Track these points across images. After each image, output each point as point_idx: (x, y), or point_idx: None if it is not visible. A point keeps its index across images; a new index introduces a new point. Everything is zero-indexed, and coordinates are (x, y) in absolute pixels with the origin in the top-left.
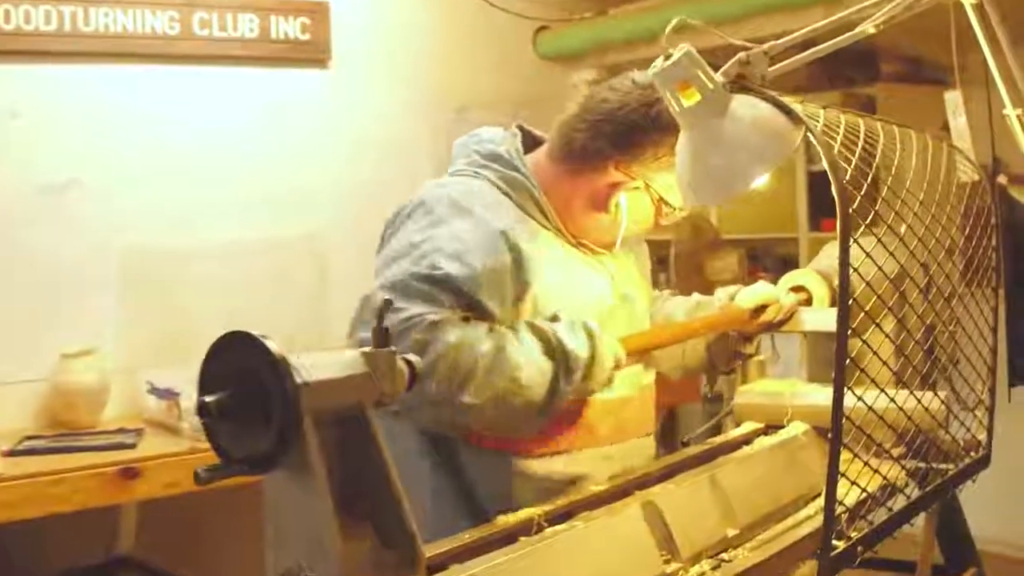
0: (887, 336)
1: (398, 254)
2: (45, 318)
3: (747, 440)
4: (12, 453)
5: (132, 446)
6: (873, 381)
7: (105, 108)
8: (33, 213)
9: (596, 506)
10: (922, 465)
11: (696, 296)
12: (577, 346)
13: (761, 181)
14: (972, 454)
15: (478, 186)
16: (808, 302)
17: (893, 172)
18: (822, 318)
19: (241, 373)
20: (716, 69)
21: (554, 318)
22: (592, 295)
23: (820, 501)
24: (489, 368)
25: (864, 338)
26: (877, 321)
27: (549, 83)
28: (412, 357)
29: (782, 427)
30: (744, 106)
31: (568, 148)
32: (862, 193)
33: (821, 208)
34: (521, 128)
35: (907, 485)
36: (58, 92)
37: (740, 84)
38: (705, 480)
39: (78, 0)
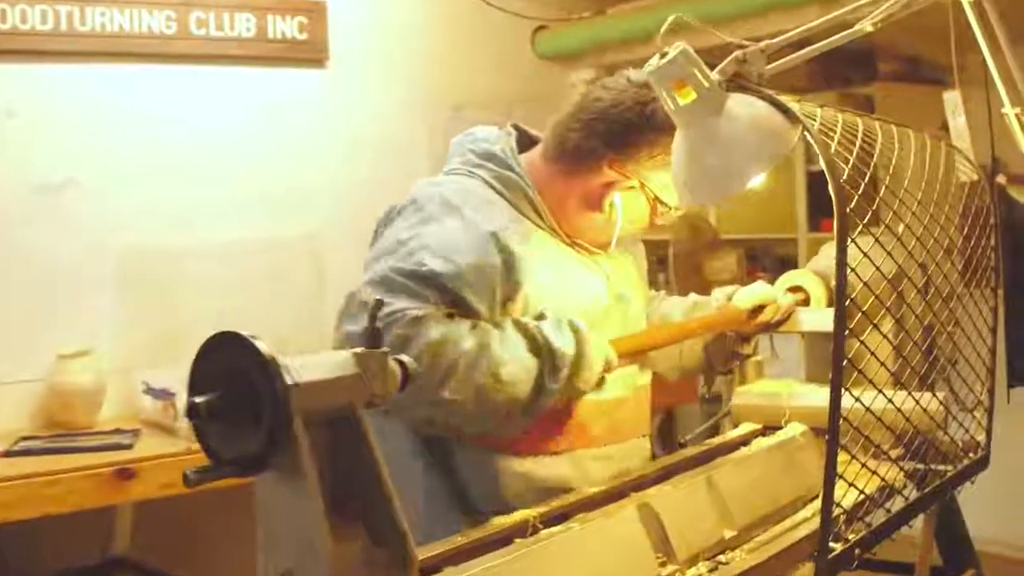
0: (885, 337)
1: (386, 251)
2: (41, 318)
3: (745, 441)
4: (8, 454)
5: (128, 447)
6: (871, 382)
7: (102, 108)
8: (29, 213)
9: (592, 508)
10: (920, 466)
11: (693, 296)
12: (563, 344)
13: (758, 180)
14: (971, 455)
15: (472, 185)
16: (806, 302)
17: (891, 171)
18: (820, 318)
19: (231, 374)
20: (713, 68)
21: (540, 316)
22: (587, 295)
23: (818, 503)
24: (471, 364)
25: (862, 339)
26: (875, 322)
27: (547, 83)
28: (405, 358)
29: (780, 428)
30: (741, 105)
31: (562, 148)
32: (860, 193)
33: (820, 208)
34: (516, 127)
35: (905, 487)
36: (55, 91)
37: (737, 83)
38: (702, 482)
39: None
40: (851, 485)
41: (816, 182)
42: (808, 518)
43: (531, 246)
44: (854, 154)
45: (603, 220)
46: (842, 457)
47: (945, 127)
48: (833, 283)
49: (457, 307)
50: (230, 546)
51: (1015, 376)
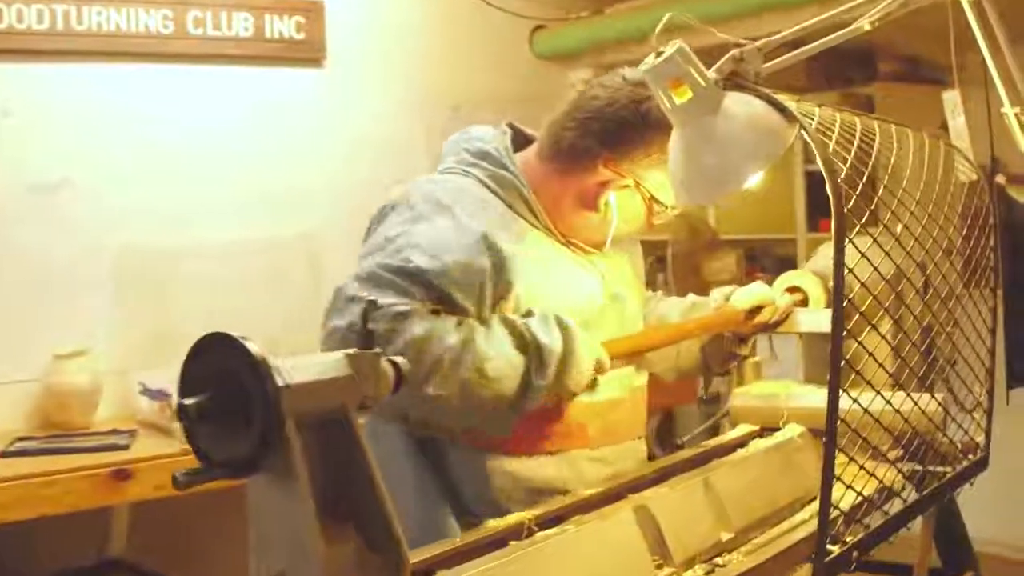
0: (883, 338)
1: (375, 248)
2: (37, 318)
3: (742, 443)
4: (3, 454)
5: (124, 447)
6: (869, 383)
7: (98, 107)
8: (25, 212)
9: (588, 510)
10: (919, 468)
11: (691, 297)
12: (551, 340)
13: (755, 180)
14: (970, 457)
15: (466, 184)
16: (804, 303)
17: (890, 171)
18: (818, 319)
19: (222, 375)
20: (710, 68)
21: (528, 314)
22: (581, 295)
23: (816, 505)
24: (455, 359)
25: (860, 340)
26: (873, 323)
27: (546, 82)
28: (398, 359)
29: (778, 429)
30: (738, 104)
31: (557, 147)
32: (858, 192)
33: (820, 208)
34: (512, 126)
35: (904, 488)
36: (51, 91)
37: (734, 81)
38: (699, 483)
39: None
40: (849, 487)
41: (815, 182)
42: (806, 520)
43: (525, 245)
44: (852, 153)
45: (598, 219)
46: (840, 459)
47: (945, 127)
48: (831, 283)
49: (443, 304)
50: (226, 547)
51: (1014, 377)
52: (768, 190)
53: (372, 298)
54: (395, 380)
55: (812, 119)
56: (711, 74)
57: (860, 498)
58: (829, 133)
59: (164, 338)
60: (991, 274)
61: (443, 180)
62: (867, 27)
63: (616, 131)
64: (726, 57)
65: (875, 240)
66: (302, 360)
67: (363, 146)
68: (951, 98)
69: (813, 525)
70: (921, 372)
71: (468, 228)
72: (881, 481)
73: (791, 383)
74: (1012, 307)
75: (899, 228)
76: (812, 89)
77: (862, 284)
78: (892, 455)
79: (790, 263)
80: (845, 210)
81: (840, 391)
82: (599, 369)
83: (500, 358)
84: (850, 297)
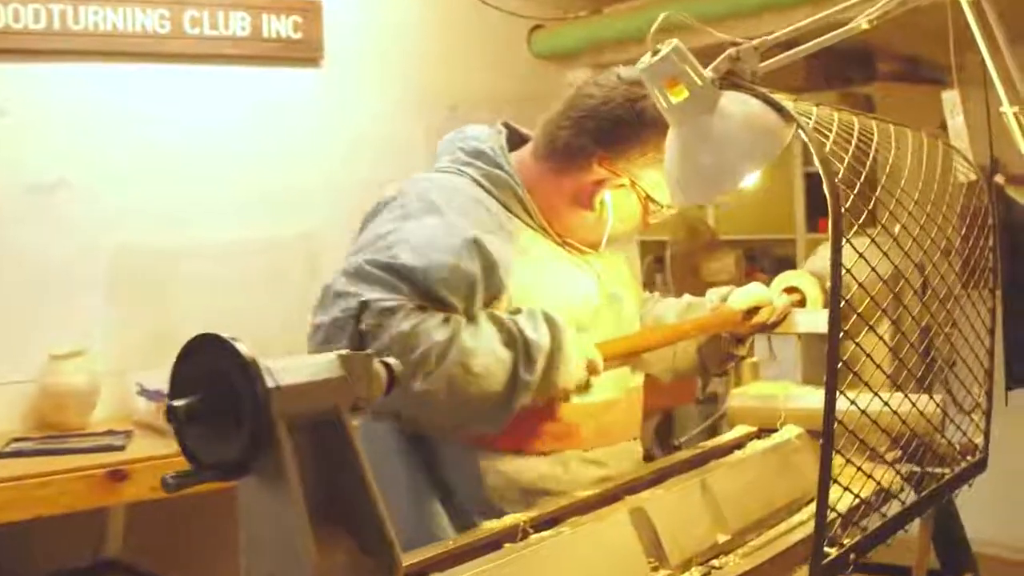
0: (881, 339)
1: (365, 244)
2: (34, 319)
3: (739, 444)
4: None
5: (121, 448)
6: (866, 385)
7: (95, 107)
8: (21, 212)
9: (583, 512)
10: (917, 470)
11: (687, 297)
12: (538, 336)
13: (751, 179)
14: (969, 458)
15: (460, 183)
16: (802, 303)
17: (888, 171)
18: (815, 320)
19: (212, 376)
20: (707, 68)
21: (516, 311)
22: (577, 295)
23: (813, 506)
24: (442, 355)
25: (857, 341)
26: (871, 323)
27: (544, 82)
28: (391, 360)
29: (775, 431)
30: (734, 103)
31: (552, 146)
32: (855, 192)
33: (819, 209)
34: (507, 125)
35: (902, 490)
36: (47, 91)
37: (730, 80)
38: (695, 485)
39: None
40: (846, 489)
41: (814, 182)
42: (803, 522)
43: (519, 245)
44: (849, 153)
45: (594, 219)
46: (838, 460)
47: (944, 127)
48: (829, 284)
49: (431, 302)
50: (222, 548)
51: (1013, 378)
52: (767, 190)
53: (358, 292)
54: (388, 381)
55: (809, 118)
56: (707, 73)
57: (858, 500)
58: (827, 132)
59: (161, 339)
60: (990, 275)
61: (437, 179)
62: (865, 26)
63: (611, 130)
64: (722, 56)
65: (873, 240)
66: (293, 361)
67: (361, 146)
68: (950, 98)
69: (810, 527)
70: (919, 373)
71: (458, 230)
72: (879, 483)
73: (789, 384)
74: (1011, 308)
75: (897, 228)
76: (812, 89)
77: (859, 284)
78: (890, 457)
79: (789, 263)
80: (843, 210)
81: (837, 392)
82: (592, 370)
83: (488, 354)
84: (847, 298)
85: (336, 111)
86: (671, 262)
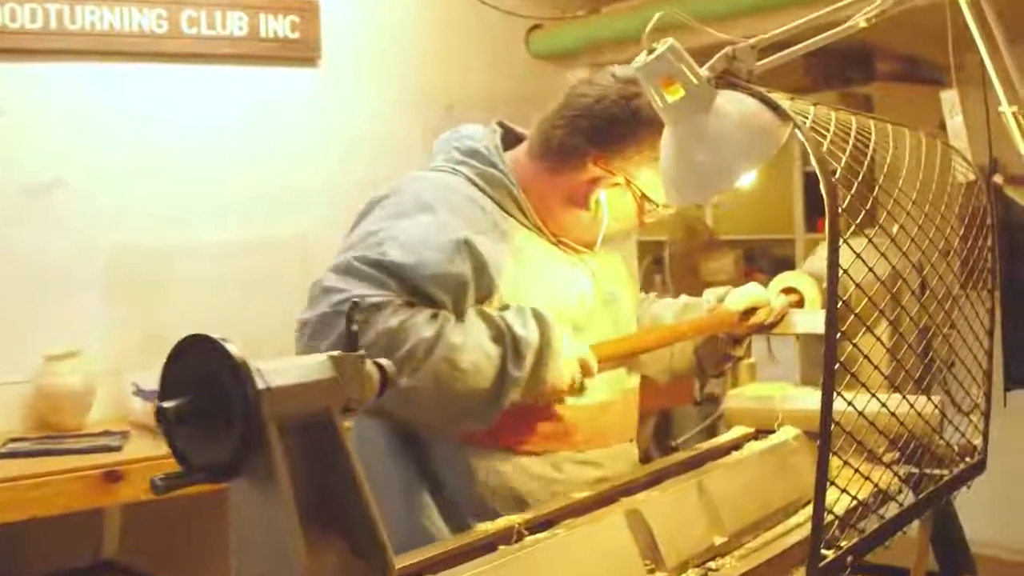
0: (878, 340)
1: (355, 242)
2: (30, 319)
3: (736, 445)
4: None
5: (117, 449)
6: (864, 386)
7: (92, 107)
8: (18, 213)
9: (579, 514)
10: (916, 471)
11: (684, 298)
12: (527, 332)
13: (748, 179)
14: (967, 459)
15: (455, 182)
16: (800, 304)
17: (886, 170)
18: (813, 320)
19: (202, 377)
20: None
21: (504, 308)
22: (572, 295)
23: (811, 508)
24: (428, 351)
25: (855, 342)
26: (868, 324)
27: (542, 82)
28: (383, 361)
29: (773, 432)
30: (730, 102)
31: (547, 145)
32: (852, 192)
33: (818, 209)
34: (502, 125)
35: (900, 491)
36: (44, 91)
37: (726, 79)
38: (692, 486)
39: None
40: (844, 491)
41: (813, 183)
42: (800, 524)
43: (513, 245)
44: (847, 152)
45: (589, 218)
46: (835, 462)
47: (943, 127)
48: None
49: (419, 299)
50: (219, 549)
51: (1012, 379)
52: (766, 191)
53: (347, 288)
54: (380, 383)
55: (806, 118)
56: (703, 72)
57: (855, 502)
58: (824, 132)
59: (158, 339)
60: (989, 275)
61: (431, 177)
62: (863, 24)
63: (606, 128)
64: (719, 55)
65: (870, 240)
66: (284, 362)
67: (358, 146)
68: (949, 98)
69: (808, 529)
70: (918, 374)
71: (449, 228)
72: (876, 485)
73: (786, 385)
74: (1010, 309)
75: (895, 228)
76: (811, 89)
77: (857, 285)
78: (888, 458)
79: (788, 264)
80: (840, 209)
81: (835, 393)
82: (587, 372)
83: (476, 350)
84: (845, 298)
85: (333, 111)
86: (670, 262)
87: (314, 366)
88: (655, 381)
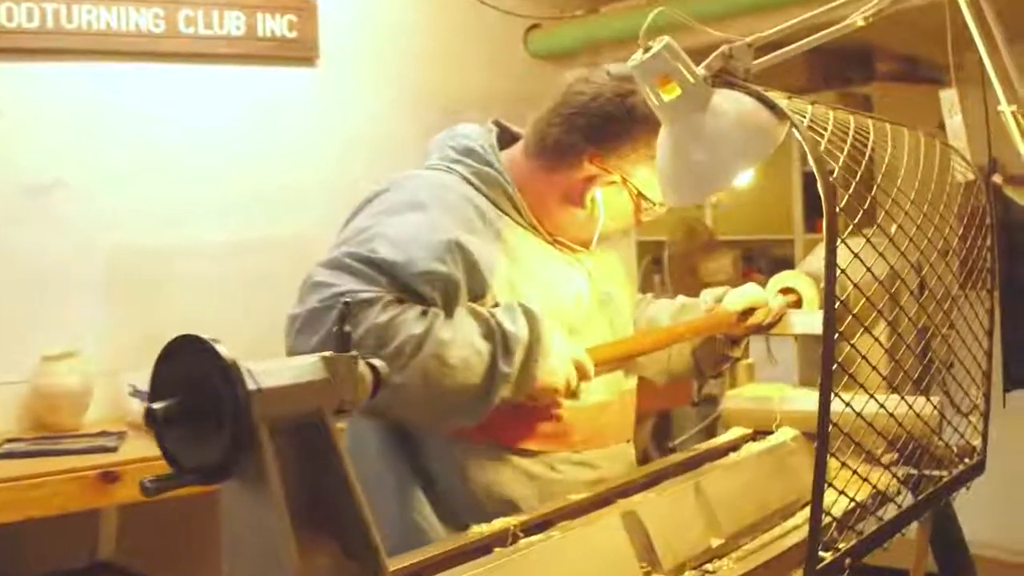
0: (877, 340)
1: (347, 238)
2: (28, 319)
3: (734, 446)
4: None
5: (114, 449)
6: (862, 387)
7: (90, 107)
8: (16, 213)
9: (574, 515)
10: (914, 472)
11: (681, 298)
12: (516, 328)
13: (744, 178)
14: (966, 460)
15: (450, 181)
16: (798, 304)
17: (884, 170)
18: (811, 321)
19: (193, 379)
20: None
21: (494, 305)
22: (568, 294)
23: (809, 509)
24: (417, 347)
25: (853, 342)
26: (866, 325)
27: (540, 82)
28: (376, 362)
29: (771, 433)
30: (727, 101)
31: (542, 143)
32: (850, 191)
33: (817, 209)
34: (498, 123)
35: (899, 493)
36: (42, 90)
37: (723, 78)
38: (689, 488)
39: None
40: (841, 492)
41: (813, 183)
42: (798, 525)
43: (508, 244)
44: (845, 152)
45: (585, 217)
46: (833, 464)
47: (943, 126)
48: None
49: (409, 295)
50: (215, 550)
51: (1011, 380)
52: (765, 191)
53: (336, 283)
54: (373, 383)
55: (804, 117)
56: (700, 71)
57: (853, 503)
58: (822, 131)
59: (155, 339)
60: (988, 275)
61: (425, 176)
62: (860, 23)
63: (601, 126)
64: (715, 54)
65: (868, 240)
66: (276, 363)
67: (357, 145)
68: (948, 97)
69: (806, 530)
70: (916, 375)
71: (441, 226)
72: (875, 486)
73: (784, 386)
74: (1009, 309)
75: (894, 228)
76: (811, 89)
77: (855, 285)
78: (887, 459)
79: (787, 264)
80: (837, 209)
81: (833, 394)
82: (583, 375)
83: (466, 346)
84: (843, 299)
85: (331, 111)
86: (669, 262)
87: (306, 367)
88: (653, 382)
